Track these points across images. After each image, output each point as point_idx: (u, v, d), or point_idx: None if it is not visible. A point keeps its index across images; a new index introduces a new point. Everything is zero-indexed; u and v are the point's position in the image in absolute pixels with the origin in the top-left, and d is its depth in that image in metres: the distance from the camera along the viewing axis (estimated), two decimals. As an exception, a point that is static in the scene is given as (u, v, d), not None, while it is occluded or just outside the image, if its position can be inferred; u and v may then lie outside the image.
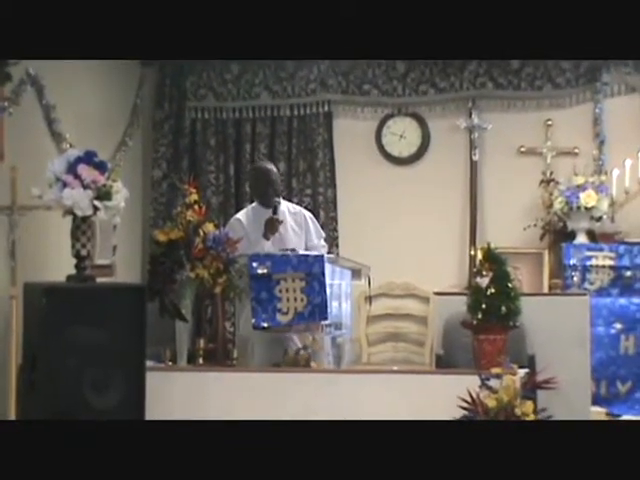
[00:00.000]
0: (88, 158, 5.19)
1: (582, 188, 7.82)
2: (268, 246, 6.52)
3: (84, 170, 5.11)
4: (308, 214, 6.96)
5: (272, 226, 6.56)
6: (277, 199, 6.68)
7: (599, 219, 7.86)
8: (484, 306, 5.40)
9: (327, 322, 6.06)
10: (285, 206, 6.84)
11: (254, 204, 6.88)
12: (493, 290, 5.41)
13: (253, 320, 5.93)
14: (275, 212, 6.59)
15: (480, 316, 5.40)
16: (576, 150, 8.19)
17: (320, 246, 6.80)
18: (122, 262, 7.49)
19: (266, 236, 6.54)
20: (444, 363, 6.31)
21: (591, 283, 7.67)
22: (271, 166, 6.99)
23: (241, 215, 6.85)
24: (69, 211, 5.14)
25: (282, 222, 6.61)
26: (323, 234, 6.99)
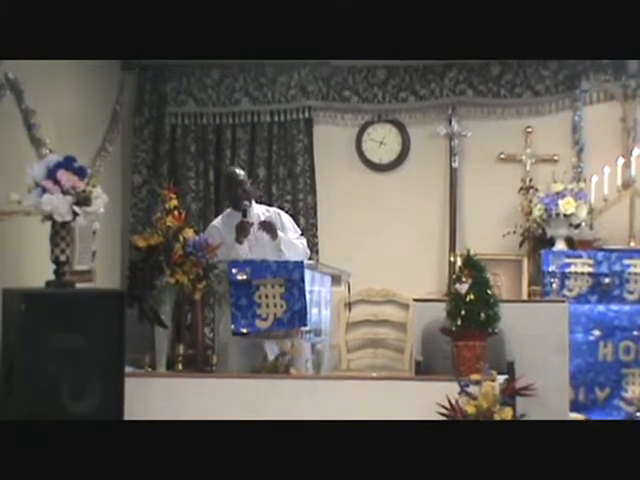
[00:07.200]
0: (68, 163, 5.17)
1: (561, 195, 7.85)
2: (244, 250, 6.54)
3: (63, 175, 5.09)
4: (282, 212, 7.00)
5: (243, 230, 6.60)
6: (246, 202, 6.71)
7: (578, 226, 7.89)
8: (463, 312, 5.40)
9: (306, 328, 6.08)
10: (258, 209, 6.87)
11: (229, 210, 6.93)
12: (472, 297, 5.41)
13: (232, 326, 5.93)
14: (245, 215, 6.62)
15: (459, 322, 5.41)
16: (555, 157, 8.23)
17: (296, 238, 6.81)
18: (101, 268, 7.47)
19: (238, 240, 6.58)
20: (423, 369, 6.31)
21: (570, 290, 7.69)
22: (238, 170, 7.06)
23: (217, 222, 6.91)
24: (48, 216, 5.11)
25: (252, 224, 6.63)
26: (299, 231, 7.01)
